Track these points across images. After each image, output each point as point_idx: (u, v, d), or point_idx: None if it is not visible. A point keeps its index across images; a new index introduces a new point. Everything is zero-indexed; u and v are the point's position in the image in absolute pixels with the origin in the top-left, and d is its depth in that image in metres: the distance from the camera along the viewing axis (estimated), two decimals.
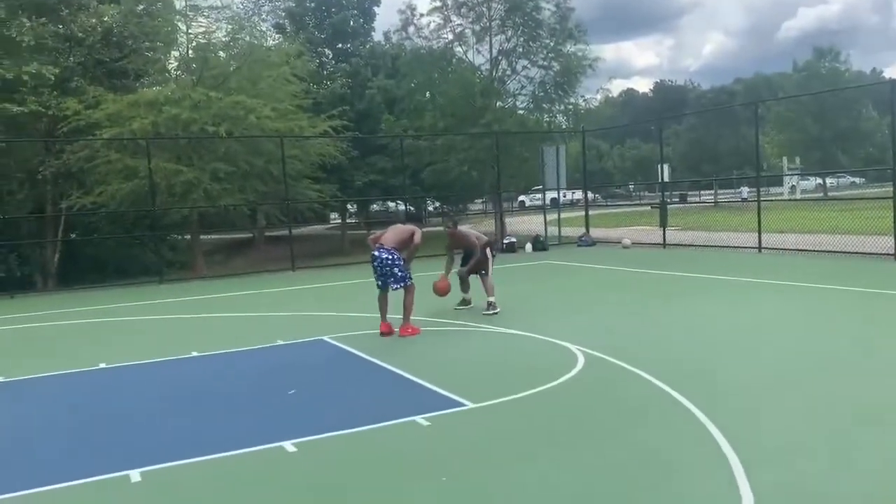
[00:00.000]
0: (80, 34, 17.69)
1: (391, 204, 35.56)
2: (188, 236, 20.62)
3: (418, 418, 5.01)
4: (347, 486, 3.98)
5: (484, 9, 22.22)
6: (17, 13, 17.44)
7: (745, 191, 40.78)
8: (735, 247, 16.38)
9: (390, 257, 8.18)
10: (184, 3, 19.33)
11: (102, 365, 7.49)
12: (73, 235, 19.43)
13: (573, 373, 6.08)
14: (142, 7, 19.00)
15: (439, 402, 5.43)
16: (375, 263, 8.26)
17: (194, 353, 7.77)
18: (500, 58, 22.54)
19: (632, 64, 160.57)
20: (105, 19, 18.21)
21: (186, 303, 12.50)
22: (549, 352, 6.97)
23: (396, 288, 8.25)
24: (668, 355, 6.59)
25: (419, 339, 7.97)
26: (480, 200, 36.03)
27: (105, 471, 4.31)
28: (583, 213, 21.72)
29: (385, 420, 4.99)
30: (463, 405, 5.31)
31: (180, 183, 16.67)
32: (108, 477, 4.22)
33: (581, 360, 6.48)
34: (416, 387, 5.94)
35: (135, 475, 4.22)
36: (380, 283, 8.31)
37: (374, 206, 35.75)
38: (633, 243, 18.66)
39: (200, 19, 19.44)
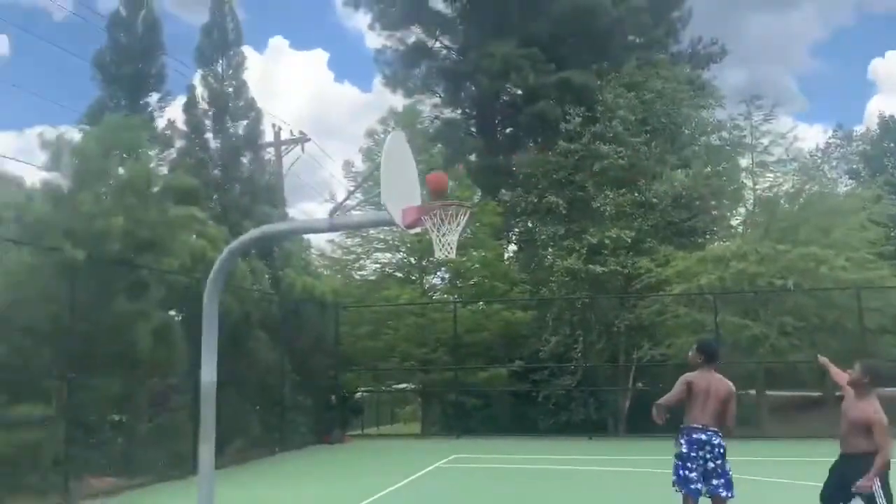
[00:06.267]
0: (653, 200, 19.52)
1: None
2: (752, 391, 19.95)
3: None
4: None
5: None
6: (602, 188, 20.22)
7: None
8: None
9: (721, 443, 5.82)
10: (750, 161, 19.80)
11: None
12: (640, 385, 20.65)
13: None
14: (709, 169, 20.09)
15: None
16: (702, 452, 5.77)
17: None
18: None
19: None
20: (675, 184, 19.73)
21: (746, 463, 11.85)
22: None
23: (729, 496, 5.81)
24: None
25: None
26: None
27: None
28: None
29: None
30: None
31: (746, 337, 16.45)
32: None
33: None
34: None
35: None
36: (697, 483, 5.76)
37: None
38: None
39: (767, 174, 19.58)
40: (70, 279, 10.10)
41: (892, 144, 27.17)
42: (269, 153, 21.17)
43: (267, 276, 16.35)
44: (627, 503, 8.71)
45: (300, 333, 16.85)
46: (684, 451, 5.76)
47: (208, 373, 6.35)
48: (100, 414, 10.99)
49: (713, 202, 20.24)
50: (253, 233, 7.15)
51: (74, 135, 12.58)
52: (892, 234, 20.60)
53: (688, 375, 5.96)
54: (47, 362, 10.21)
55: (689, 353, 6.19)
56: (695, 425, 5.79)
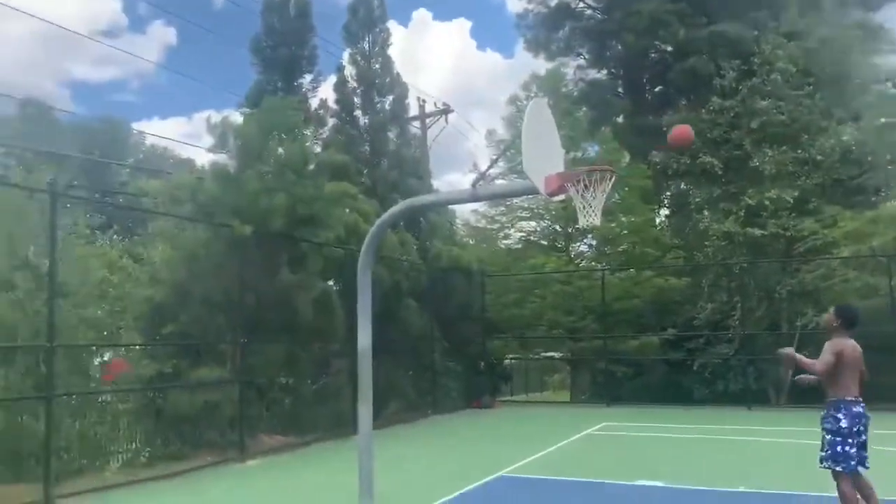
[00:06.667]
0: (818, 156, 18.14)
1: None
2: None
3: None
4: None
5: None
6: (761, 145, 19.04)
7: None
8: None
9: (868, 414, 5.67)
10: None
11: (741, 488, 7.51)
12: (805, 353, 19.48)
13: None
14: (882, 120, 18.42)
15: None
16: (860, 426, 5.56)
17: None
18: None
19: None
20: (843, 139, 18.25)
21: None
22: None
23: (868, 468, 5.62)
24: None
25: None
26: None
27: None
28: None
29: None
30: None
31: None
32: None
33: None
34: None
35: None
36: (856, 459, 5.52)
37: None
38: None
39: None
40: (239, 253, 10.94)
41: None
42: (415, 127, 21.67)
43: (415, 247, 16.86)
44: (784, 472, 8.32)
45: (447, 302, 17.29)
46: (844, 426, 5.48)
47: (364, 338, 6.71)
48: (269, 377, 11.86)
49: (888, 156, 18.52)
50: (400, 206, 7.41)
51: (237, 118, 13.53)
52: None
53: (836, 344, 5.64)
54: (222, 329, 11.15)
55: (825, 316, 5.87)
56: (849, 398, 5.56)
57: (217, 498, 8.17)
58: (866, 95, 19.81)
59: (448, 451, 11.34)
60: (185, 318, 10.81)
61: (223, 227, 10.90)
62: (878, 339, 18.06)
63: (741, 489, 7.58)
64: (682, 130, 6.32)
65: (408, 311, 15.46)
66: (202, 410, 10.35)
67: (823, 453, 5.55)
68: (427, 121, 22.51)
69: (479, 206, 23.76)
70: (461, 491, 7.75)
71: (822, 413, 5.72)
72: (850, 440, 5.44)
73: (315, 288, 12.36)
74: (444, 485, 7.95)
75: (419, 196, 11.97)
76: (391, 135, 18.59)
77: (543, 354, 23.39)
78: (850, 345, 5.66)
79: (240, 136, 11.82)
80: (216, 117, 15.20)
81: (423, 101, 22.64)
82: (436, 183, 21.04)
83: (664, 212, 25.19)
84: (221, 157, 11.91)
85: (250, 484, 8.91)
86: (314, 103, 18.86)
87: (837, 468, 5.45)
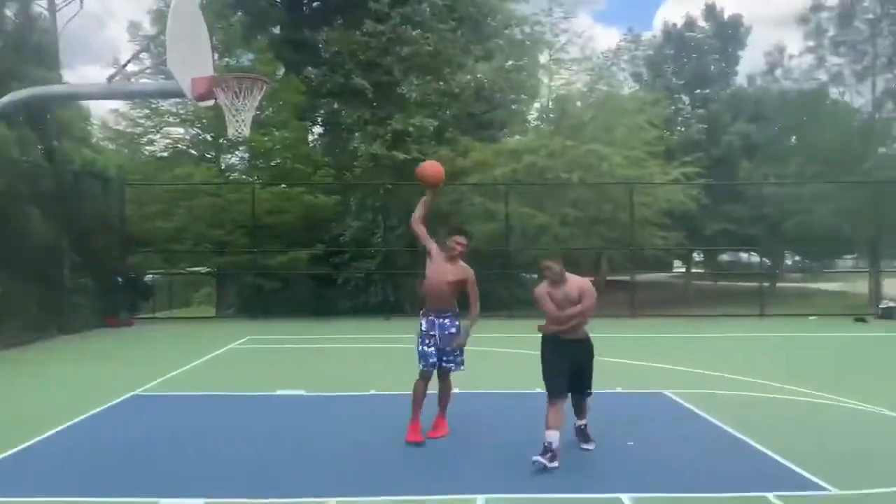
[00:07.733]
0: (456, 90, 19.83)
1: (743, 255, 33.40)
2: (535, 276, 21.63)
3: (770, 495, 4.56)
4: None
5: (868, 47, 20.04)
6: (408, 74, 20.14)
7: None
8: None
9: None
10: (548, 58, 20.63)
11: (372, 391, 8.23)
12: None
13: None
14: (510, 63, 20.69)
15: (794, 481, 4.89)
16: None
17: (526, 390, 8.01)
18: (884, 98, 20.04)
19: None
20: (478, 76, 20.15)
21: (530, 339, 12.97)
22: None
23: None
24: None
25: (771, 409, 7.30)
26: (850, 257, 32.06)
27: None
28: None
29: (729, 490, 4.65)
30: (825, 490, 4.71)
31: (533, 226, 17.66)
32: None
33: None
34: (766, 461, 5.42)
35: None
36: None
37: (724, 256, 33.94)
38: None
39: (563, 72, 20.57)
40: None
41: (671, 52, 29.49)
42: (41, 6, 18.65)
43: (39, 147, 14.80)
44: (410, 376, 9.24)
45: (80, 211, 15.63)
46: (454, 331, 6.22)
47: None
48: None
49: (512, 96, 20.96)
50: (16, 94, 6.40)
51: None
52: (665, 135, 22.62)
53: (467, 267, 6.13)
54: None
55: (459, 241, 6.09)
56: None
57: None
58: (498, 38, 21.97)
59: (75, 374, 10.42)
60: None
61: None
62: (496, 257, 20.77)
63: (372, 392, 8.23)
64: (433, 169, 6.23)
65: (28, 219, 13.62)
66: None
67: (460, 358, 6.19)
68: (57, 2, 19.48)
69: (121, 106, 21.56)
70: (88, 414, 7.19)
71: (445, 323, 6.12)
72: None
73: None
74: (68, 409, 7.29)
75: (43, 86, 10.44)
76: (8, 12, 15.78)
77: (189, 269, 22.52)
78: None
79: None
80: None
81: None
82: (67, 75, 18.50)
83: (317, 130, 25.48)
84: None
85: None
86: None
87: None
